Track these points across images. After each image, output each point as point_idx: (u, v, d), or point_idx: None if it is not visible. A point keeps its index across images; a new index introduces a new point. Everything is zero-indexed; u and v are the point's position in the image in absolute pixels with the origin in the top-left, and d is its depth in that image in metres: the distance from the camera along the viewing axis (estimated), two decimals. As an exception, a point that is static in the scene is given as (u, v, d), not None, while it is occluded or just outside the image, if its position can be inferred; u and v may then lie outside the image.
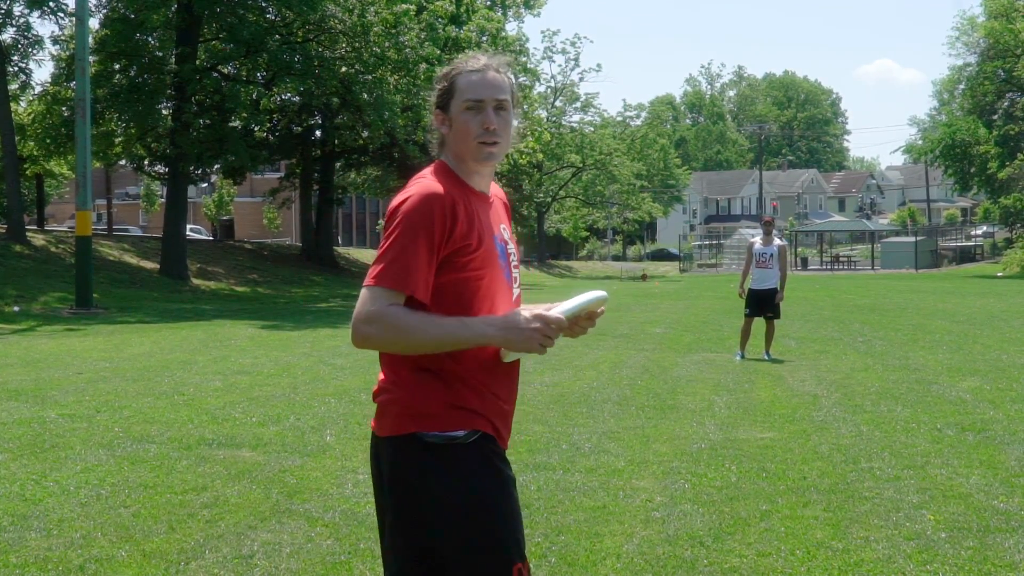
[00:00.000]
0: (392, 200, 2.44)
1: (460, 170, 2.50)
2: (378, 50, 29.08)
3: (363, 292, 2.34)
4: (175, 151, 28.13)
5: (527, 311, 2.40)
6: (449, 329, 2.32)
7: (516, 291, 2.56)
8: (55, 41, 30.63)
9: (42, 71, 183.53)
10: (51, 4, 27.95)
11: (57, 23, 29.42)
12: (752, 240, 13.19)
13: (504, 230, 2.56)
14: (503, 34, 42.12)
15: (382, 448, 2.45)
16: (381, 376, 2.49)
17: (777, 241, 12.90)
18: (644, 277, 45.17)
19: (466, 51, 36.33)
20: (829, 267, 59.93)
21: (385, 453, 2.44)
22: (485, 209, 2.51)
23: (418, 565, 2.38)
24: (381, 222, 67.11)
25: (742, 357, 12.33)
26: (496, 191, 2.64)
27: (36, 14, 28.56)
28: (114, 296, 22.98)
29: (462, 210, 2.39)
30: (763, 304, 12.60)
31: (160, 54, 29.80)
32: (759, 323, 12.76)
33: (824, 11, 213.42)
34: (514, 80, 2.58)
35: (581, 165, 58.07)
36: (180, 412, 8.29)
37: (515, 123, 2.57)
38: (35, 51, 29.77)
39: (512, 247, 2.58)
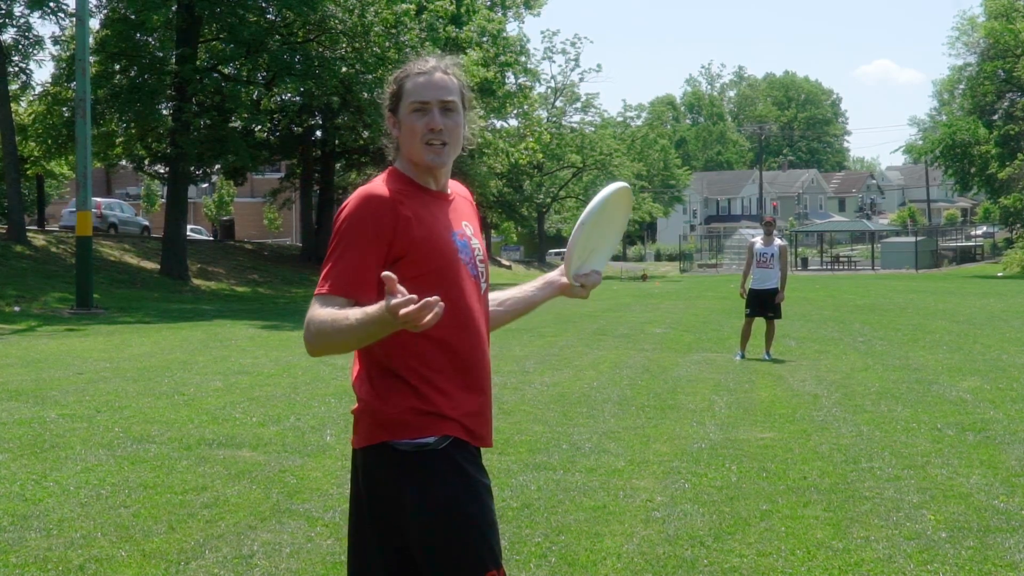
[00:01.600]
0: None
1: (412, 172, 2.52)
2: (378, 50, 29.07)
3: (314, 299, 2.38)
4: (175, 151, 28.12)
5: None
6: (356, 316, 2.25)
7: (483, 286, 2.56)
8: (55, 41, 30.63)
9: (42, 71, 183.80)
10: (51, 4, 27.94)
11: (57, 23, 29.42)
12: (753, 240, 13.17)
13: (467, 227, 2.57)
14: (503, 34, 42.12)
15: (358, 460, 2.47)
16: (355, 387, 2.49)
17: (778, 241, 12.91)
18: (644, 277, 45.15)
19: (467, 52, 36.41)
20: (829, 267, 59.92)
21: (361, 465, 2.45)
22: (442, 207, 2.51)
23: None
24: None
25: (742, 357, 12.32)
26: (459, 189, 2.65)
27: (36, 14, 28.55)
28: (114, 296, 22.97)
29: (406, 209, 2.40)
30: (764, 304, 12.60)
31: (160, 54, 29.78)
32: (759, 323, 12.76)
33: (823, 11, 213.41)
34: (463, 81, 2.58)
35: (581, 165, 58.06)
36: (180, 412, 8.29)
37: (468, 124, 2.58)
38: (35, 51, 29.77)
39: (477, 243, 2.57)
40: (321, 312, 2.30)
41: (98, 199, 40.36)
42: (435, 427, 2.39)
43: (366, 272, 2.34)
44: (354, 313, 2.25)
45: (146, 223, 43.92)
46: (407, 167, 2.53)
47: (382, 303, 2.16)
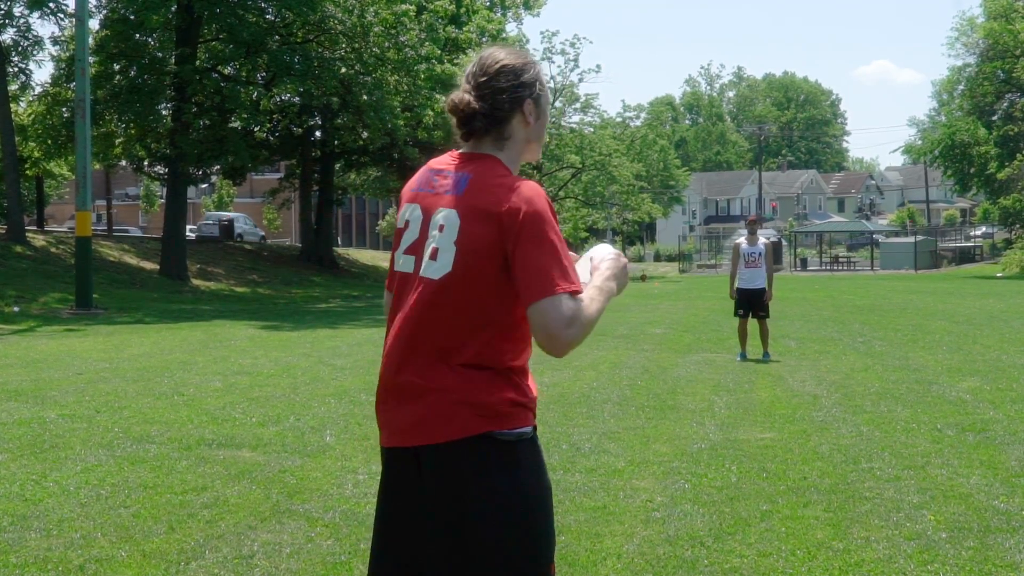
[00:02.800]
0: (508, 199, 2.31)
1: (514, 170, 2.45)
2: (378, 51, 29.10)
3: (556, 301, 2.24)
4: (175, 152, 28.13)
5: (591, 260, 2.51)
6: (600, 301, 2.36)
7: None
8: (55, 42, 30.68)
9: (42, 72, 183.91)
10: (51, 5, 27.97)
11: (57, 24, 29.52)
12: (738, 241, 13.14)
13: None
14: (503, 35, 42.13)
15: (433, 455, 2.32)
16: (418, 378, 2.34)
17: (762, 240, 12.92)
18: (643, 278, 45.11)
19: (466, 52, 36.39)
20: (828, 268, 59.92)
21: (441, 458, 2.32)
22: None
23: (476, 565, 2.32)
24: (382, 223, 67.11)
25: (743, 358, 12.32)
26: None
27: (36, 15, 28.61)
28: (114, 297, 22.97)
29: None
30: (753, 303, 12.61)
31: (160, 55, 29.80)
32: (755, 322, 12.76)
33: (822, 12, 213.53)
34: None
35: (580, 166, 58.02)
36: (180, 412, 8.29)
37: None
38: (35, 52, 29.83)
39: None
40: (586, 309, 2.30)
41: (229, 214, 49.76)
42: (529, 417, 2.39)
43: None
44: (597, 298, 2.35)
45: (263, 233, 48.11)
46: (513, 163, 2.45)
47: (604, 278, 2.39)
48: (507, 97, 2.40)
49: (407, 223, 2.46)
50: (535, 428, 2.41)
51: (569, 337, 2.25)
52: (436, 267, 2.35)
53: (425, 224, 2.41)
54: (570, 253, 2.37)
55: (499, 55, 2.45)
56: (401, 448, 2.38)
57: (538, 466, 2.38)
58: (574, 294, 2.27)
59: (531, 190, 2.33)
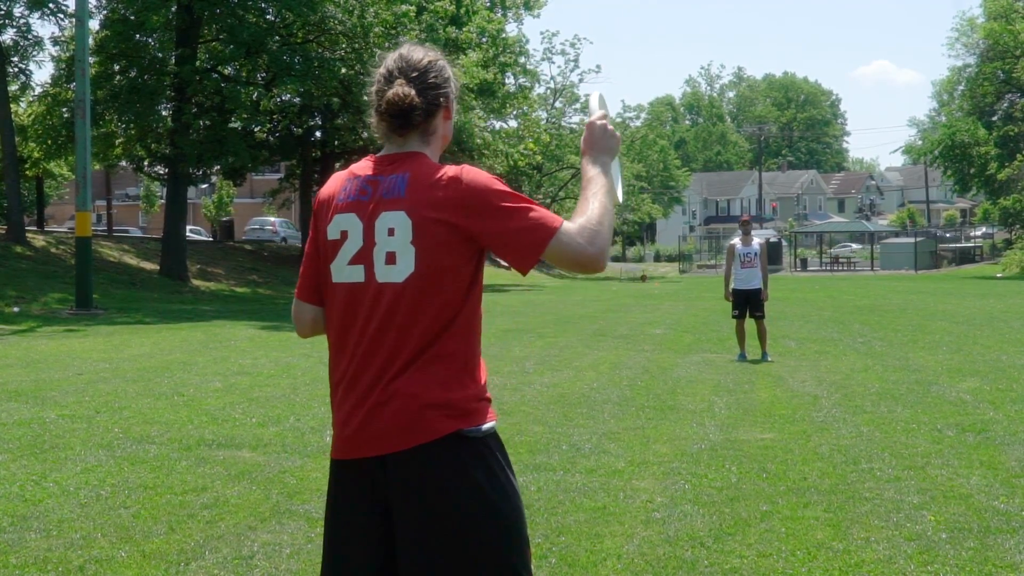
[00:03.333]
0: (454, 186, 2.34)
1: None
2: (378, 51, 29.08)
3: (563, 232, 2.30)
4: (175, 152, 28.13)
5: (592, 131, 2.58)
6: (598, 197, 2.41)
7: None
8: (55, 42, 30.65)
9: (42, 72, 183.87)
10: (51, 5, 27.96)
11: (57, 24, 29.45)
12: (732, 242, 13.13)
13: None
14: (503, 35, 42.14)
15: (404, 460, 2.31)
16: (384, 384, 2.33)
17: (757, 240, 12.93)
18: (643, 278, 45.16)
19: (466, 53, 36.46)
20: (828, 268, 59.93)
21: (413, 462, 2.30)
22: None
23: (457, 565, 2.30)
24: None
25: (743, 358, 12.32)
26: None
27: (36, 15, 28.58)
28: (114, 297, 22.97)
29: None
30: (749, 303, 12.61)
31: (160, 55, 29.79)
32: (752, 322, 12.76)
33: (822, 13, 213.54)
34: None
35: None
36: (180, 413, 8.29)
37: None
38: (35, 52, 29.79)
39: None
40: (579, 224, 2.33)
41: (273, 219, 52.53)
42: (492, 412, 2.40)
43: None
44: (596, 196, 2.40)
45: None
46: (435, 157, 2.49)
47: (590, 172, 2.47)
48: (437, 92, 2.45)
49: (344, 233, 2.42)
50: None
51: (598, 248, 2.32)
52: (397, 270, 2.34)
53: (368, 232, 2.39)
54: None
55: (419, 52, 2.49)
56: (364, 459, 2.35)
57: (506, 459, 2.41)
58: (562, 224, 2.32)
59: (469, 170, 2.38)
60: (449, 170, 2.38)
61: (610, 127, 2.60)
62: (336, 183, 2.51)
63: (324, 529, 2.48)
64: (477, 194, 2.33)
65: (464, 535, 2.28)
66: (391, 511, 2.33)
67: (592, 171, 2.48)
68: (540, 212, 2.33)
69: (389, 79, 2.44)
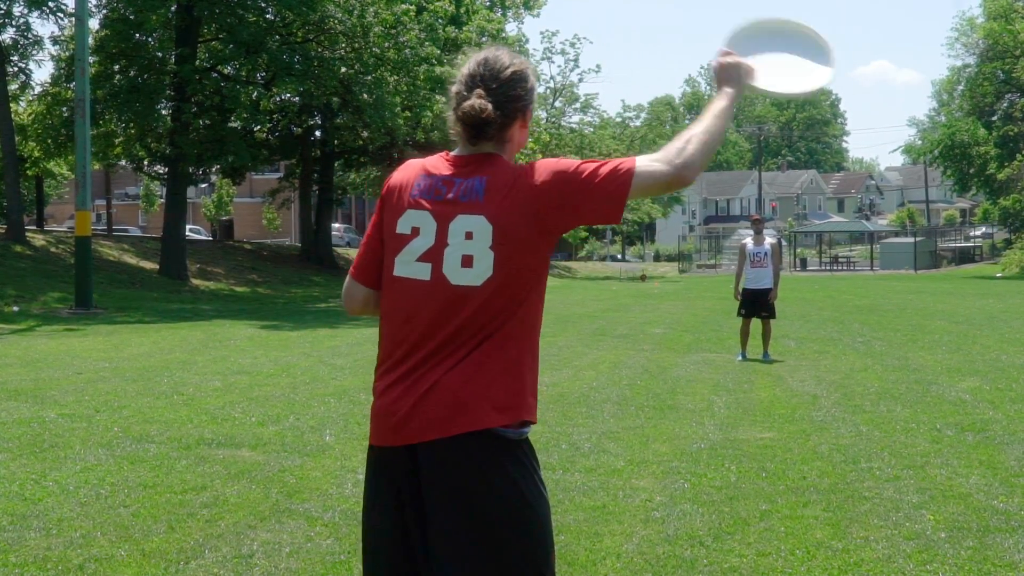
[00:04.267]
0: (530, 180, 2.38)
1: None
2: (378, 51, 29.10)
3: (640, 166, 2.36)
4: (175, 151, 28.12)
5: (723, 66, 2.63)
6: (704, 122, 2.46)
7: None
8: (55, 41, 30.64)
9: (42, 71, 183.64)
10: (51, 4, 27.94)
11: (57, 23, 29.45)
12: (744, 241, 13.12)
13: None
14: (503, 35, 42.13)
15: (441, 451, 2.31)
16: (445, 380, 2.33)
17: (769, 239, 12.89)
18: (643, 278, 45.15)
19: (466, 53, 36.32)
20: (828, 268, 59.93)
21: (451, 454, 2.31)
22: None
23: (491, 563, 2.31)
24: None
25: (743, 358, 12.32)
26: None
27: (36, 14, 28.56)
28: (114, 296, 22.96)
29: None
30: (758, 304, 12.59)
31: (160, 54, 29.78)
32: (757, 323, 12.76)
33: (822, 12, 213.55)
34: None
35: (580, 166, 58.01)
36: (179, 412, 8.29)
37: None
38: (35, 51, 29.78)
39: None
40: (664, 149, 2.41)
41: (339, 224, 55.97)
42: (535, 412, 2.43)
43: None
44: (699, 120, 2.47)
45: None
46: (510, 160, 2.50)
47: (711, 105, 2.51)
48: (517, 104, 2.45)
49: (415, 229, 2.43)
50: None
51: (677, 165, 2.38)
52: (474, 273, 2.35)
53: (442, 232, 2.40)
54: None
55: (505, 59, 2.47)
56: (405, 447, 2.36)
57: (538, 463, 2.44)
58: (640, 162, 2.38)
59: (540, 161, 2.41)
60: (523, 169, 2.40)
61: (727, 61, 2.62)
62: (408, 174, 2.51)
63: (362, 518, 2.52)
64: (551, 177, 2.36)
65: (498, 529, 2.30)
66: (423, 501, 2.34)
67: (711, 105, 2.54)
68: (613, 162, 2.38)
69: (470, 85, 2.44)
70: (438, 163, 2.48)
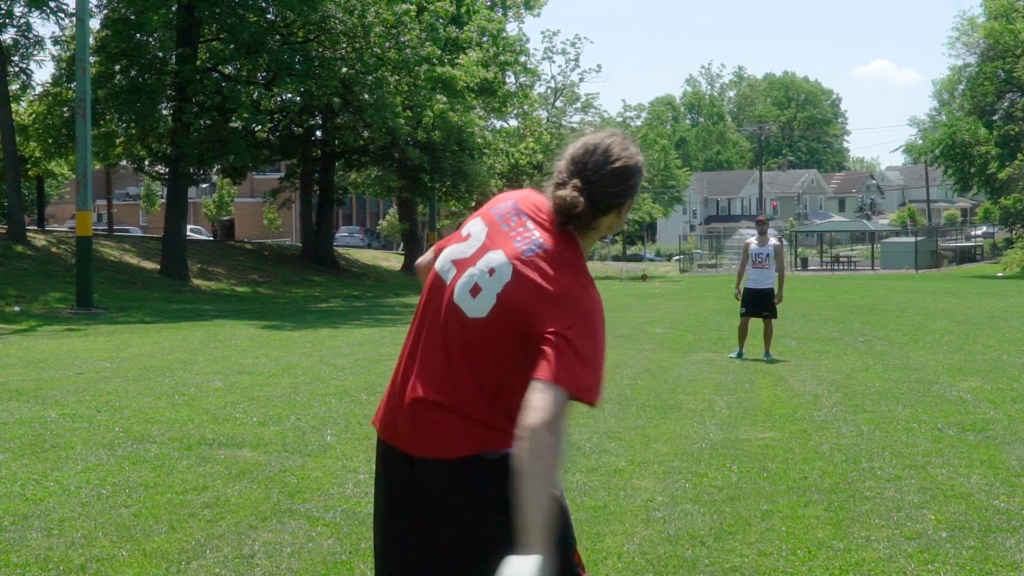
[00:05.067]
0: (569, 282, 2.30)
1: (584, 254, 2.48)
2: (379, 51, 29.11)
3: (557, 394, 2.17)
4: (176, 151, 28.14)
5: None
6: (548, 479, 2.17)
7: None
8: (56, 42, 30.67)
9: (43, 72, 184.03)
10: (51, 4, 27.97)
11: (58, 24, 29.50)
12: (748, 240, 13.08)
13: None
14: (503, 34, 42.12)
15: (438, 469, 2.38)
16: (433, 394, 2.38)
17: (773, 241, 12.85)
18: (644, 277, 45.17)
19: (466, 52, 36.46)
20: (829, 267, 59.92)
21: (446, 473, 2.38)
22: None
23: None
24: (383, 223, 67.04)
25: (740, 356, 12.32)
26: None
27: (36, 14, 28.59)
28: (114, 296, 22.97)
29: None
30: (759, 303, 12.58)
31: (161, 55, 29.79)
32: (757, 322, 12.74)
33: (822, 12, 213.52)
34: None
35: (581, 165, 58.01)
36: (181, 412, 8.29)
37: None
38: (36, 52, 29.80)
39: None
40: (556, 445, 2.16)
41: (355, 227, 57.79)
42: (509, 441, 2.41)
43: None
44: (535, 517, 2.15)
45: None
46: (587, 247, 2.45)
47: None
48: (614, 200, 2.39)
49: (469, 236, 2.47)
50: None
51: (547, 440, 2.14)
52: (472, 305, 2.37)
53: (480, 253, 2.42)
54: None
55: (615, 151, 2.39)
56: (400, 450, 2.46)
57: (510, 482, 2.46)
58: (581, 398, 2.24)
59: (591, 296, 2.33)
60: (575, 271, 2.34)
61: None
62: (507, 197, 2.54)
63: (375, 498, 2.59)
64: (579, 303, 2.29)
65: (493, 543, 2.34)
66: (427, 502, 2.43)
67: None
68: (598, 375, 2.27)
69: (572, 171, 2.38)
70: (533, 202, 2.48)
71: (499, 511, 2.33)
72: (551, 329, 2.24)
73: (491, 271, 2.37)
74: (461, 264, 2.44)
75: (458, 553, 2.41)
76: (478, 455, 2.36)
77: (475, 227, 2.49)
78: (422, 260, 2.72)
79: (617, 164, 2.38)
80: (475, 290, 2.37)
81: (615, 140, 2.42)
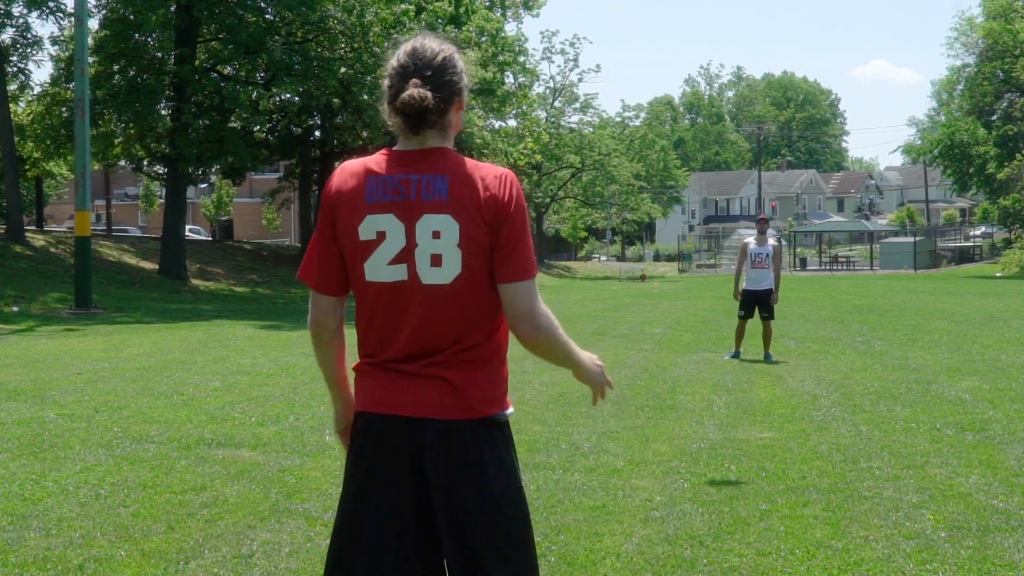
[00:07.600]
0: (501, 190, 2.42)
1: None
2: (378, 51, 29.07)
3: (529, 284, 2.44)
4: (174, 152, 28.12)
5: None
6: (567, 343, 2.56)
7: None
8: (54, 42, 30.64)
9: (41, 72, 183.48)
10: (50, 4, 27.95)
11: (56, 24, 29.43)
12: (746, 240, 13.01)
13: None
14: (502, 34, 42.13)
15: (440, 434, 2.43)
16: (432, 371, 2.44)
17: (771, 241, 12.79)
18: (643, 277, 45.17)
19: (465, 52, 36.40)
20: (828, 267, 59.94)
21: (450, 438, 2.43)
22: None
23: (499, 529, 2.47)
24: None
25: (736, 356, 12.32)
26: None
27: (35, 14, 28.58)
28: (113, 296, 22.96)
29: None
30: (758, 305, 12.56)
31: (159, 55, 29.79)
32: (754, 324, 12.74)
33: (821, 12, 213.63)
34: None
35: (580, 166, 58.07)
36: (179, 412, 8.29)
37: None
38: (34, 52, 29.83)
39: None
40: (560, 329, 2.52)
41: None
42: (509, 400, 2.61)
43: None
44: (572, 345, 2.56)
45: None
46: (453, 148, 2.53)
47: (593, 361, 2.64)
48: (451, 89, 2.46)
49: (380, 234, 2.42)
50: None
51: (539, 317, 2.44)
52: (444, 272, 2.40)
53: (411, 233, 2.40)
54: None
55: (434, 46, 2.48)
56: (399, 418, 2.45)
57: (514, 443, 2.62)
58: (534, 279, 2.46)
59: (514, 179, 2.46)
60: (490, 174, 2.43)
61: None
62: (354, 179, 2.47)
63: (349, 481, 2.56)
64: (515, 203, 2.43)
65: (498, 505, 2.44)
66: (426, 473, 2.45)
67: (578, 352, 2.63)
68: (530, 247, 2.48)
69: (403, 75, 2.44)
70: (384, 162, 2.47)
71: (506, 469, 2.47)
72: (505, 234, 2.41)
73: (436, 234, 2.40)
74: (403, 255, 2.42)
75: (469, 515, 2.43)
76: (491, 416, 2.48)
77: (377, 224, 2.43)
78: (321, 319, 2.66)
79: (444, 54, 2.47)
80: (437, 259, 2.40)
81: (429, 38, 2.52)
